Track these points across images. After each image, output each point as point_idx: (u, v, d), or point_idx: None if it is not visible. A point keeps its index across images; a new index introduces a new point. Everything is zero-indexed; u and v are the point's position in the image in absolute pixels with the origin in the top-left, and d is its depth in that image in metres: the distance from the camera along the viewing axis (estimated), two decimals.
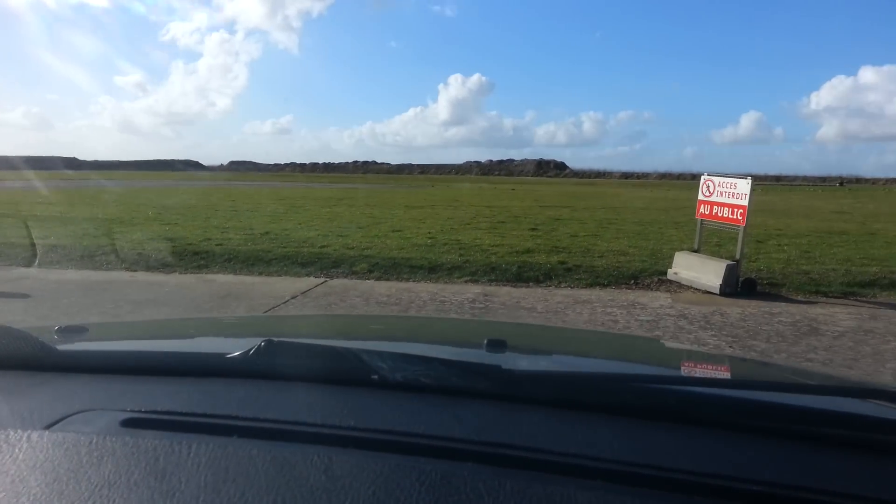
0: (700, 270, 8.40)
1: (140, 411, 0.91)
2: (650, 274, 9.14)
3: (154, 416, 0.90)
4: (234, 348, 1.10)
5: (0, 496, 0.72)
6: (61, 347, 1.22)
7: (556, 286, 8.65)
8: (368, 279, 8.98)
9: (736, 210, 8.24)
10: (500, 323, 4.75)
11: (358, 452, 0.78)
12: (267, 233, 13.42)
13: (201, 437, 0.82)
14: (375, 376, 1.01)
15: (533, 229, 15.48)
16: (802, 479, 0.78)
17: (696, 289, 8.29)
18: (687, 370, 1.54)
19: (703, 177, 8.86)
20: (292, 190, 41.44)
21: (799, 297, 8.01)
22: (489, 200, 30.70)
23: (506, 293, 8.22)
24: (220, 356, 1.11)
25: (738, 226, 8.22)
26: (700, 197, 8.84)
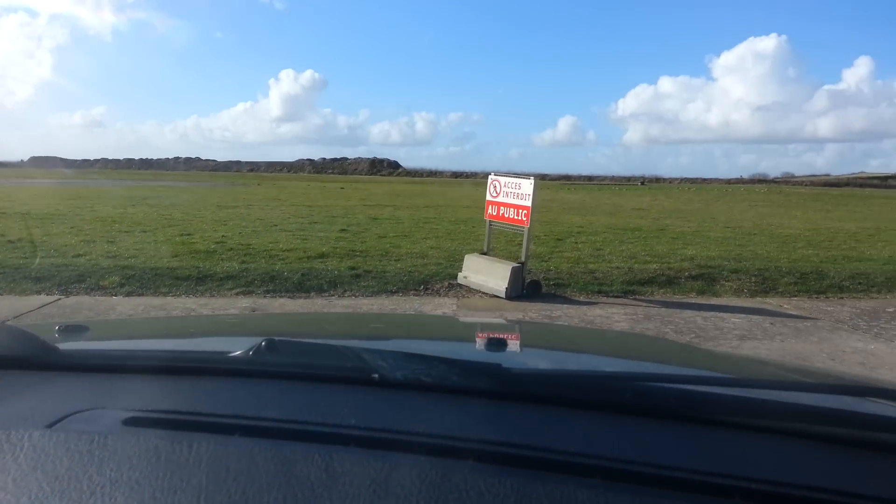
0: (488, 274, 7.99)
1: (142, 410, 0.89)
2: (442, 278, 8.62)
3: (156, 414, 0.88)
4: (236, 347, 1.08)
5: (1, 495, 0.70)
6: (63, 346, 1.17)
7: (339, 295, 7.81)
8: (117, 295, 7.53)
9: (520, 211, 7.92)
10: (500, 322, 4.66)
11: (358, 451, 0.77)
12: (19, 240, 11.24)
13: (203, 436, 0.80)
14: (376, 375, 0.98)
15: (343, 230, 14.58)
16: (802, 477, 0.76)
17: (485, 293, 7.87)
18: (687, 369, 1.51)
19: (490, 176, 8.49)
20: (91, 189, 36.92)
21: (581, 298, 7.87)
22: (314, 199, 29.37)
23: (279, 306, 7.24)
24: (222, 355, 1.10)
25: (523, 227, 7.91)
26: (488, 197, 8.46)
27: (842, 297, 8.10)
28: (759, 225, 19.28)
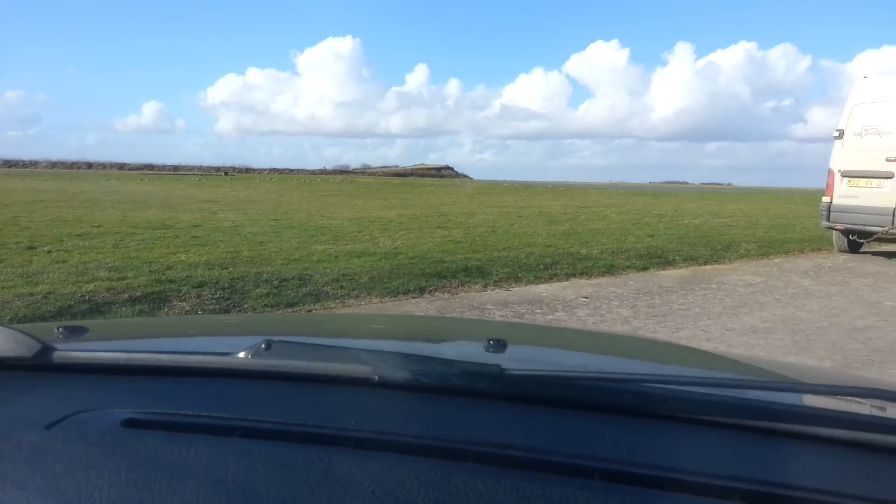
0: None
1: (141, 411, 0.87)
2: None
3: (155, 416, 0.86)
4: (235, 348, 1.06)
5: (1, 498, 0.69)
6: (61, 347, 1.10)
7: None
8: None
9: None
10: (500, 322, 4.54)
11: (357, 452, 0.76)
12: None
13: (202, 437, 0.78)
14: (375, 376, 0.96)
15: None
16: (802, 479, 0.76)
17: None
18: (687, 370, 1.48)
19: None
20: None
21: None
22: None
23: None
24: (221, 356, 1.09)
25: None
26: None
27: (310, 310, 6.67)
28: (310, 216, 18.35)
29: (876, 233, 11.02)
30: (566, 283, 8.68)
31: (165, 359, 1.09)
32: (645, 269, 9.94)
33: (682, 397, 0.93)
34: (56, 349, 1.05)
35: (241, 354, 1.02)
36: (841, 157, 11.45)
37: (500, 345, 1.27)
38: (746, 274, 9.55)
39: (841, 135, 11.42)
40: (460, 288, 7.94)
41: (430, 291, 7.68)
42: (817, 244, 13.10)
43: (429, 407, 0.92)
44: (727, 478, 0.73)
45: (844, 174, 11.39)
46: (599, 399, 0.92)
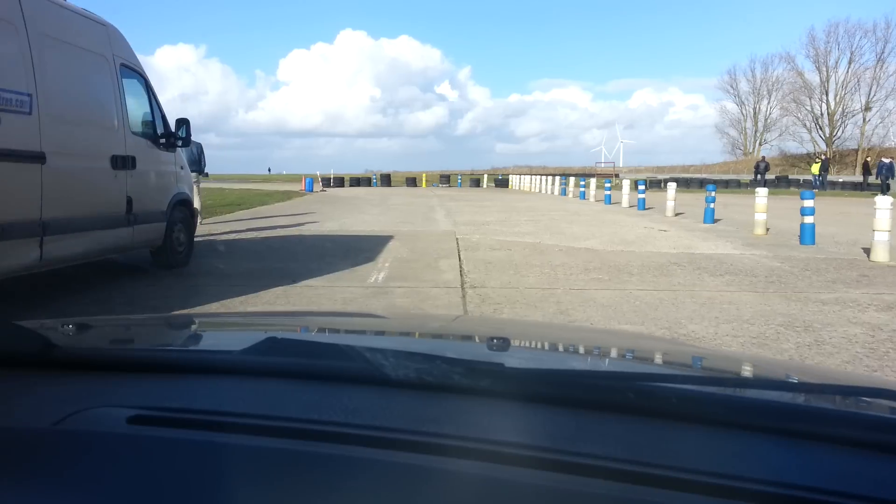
0: None
1: (146, 408, 0.82)
2: None
3: (160, 413, 0.82)
4: (240, 345, 1.04)
5: (6, 495, 0.64)
6: (66, 344, 1.08)
7: None
8: None
9: None
10: (503, 321, 4.38)
11: (359, 450, 0.70)
12: None
13: (206, 434, 0.75)
14: (378, 374, 0.92)
15: None
16: (804, 479, 0.71)
17: None
18: (690, 368, 1.42)
19: None
20: None
21: None
22: None
23: None
24: (225, 353, 1.07)
25: None
26: None
27: None
28: None
29: None
30: None
31: (170, 356, 1.07)
32: None
33: (686, 396, 0.90)
34: (61, 346, 1.01)
35: (245, 351, 0.99)
36: None
37: (502, 343, 1.24)
38: None
39: None
40: None
41: None
42: None
43: (431, 405, 0.88)
44: (730, 477, 0.68)
45: None
46: (602, 397, 0.88)
